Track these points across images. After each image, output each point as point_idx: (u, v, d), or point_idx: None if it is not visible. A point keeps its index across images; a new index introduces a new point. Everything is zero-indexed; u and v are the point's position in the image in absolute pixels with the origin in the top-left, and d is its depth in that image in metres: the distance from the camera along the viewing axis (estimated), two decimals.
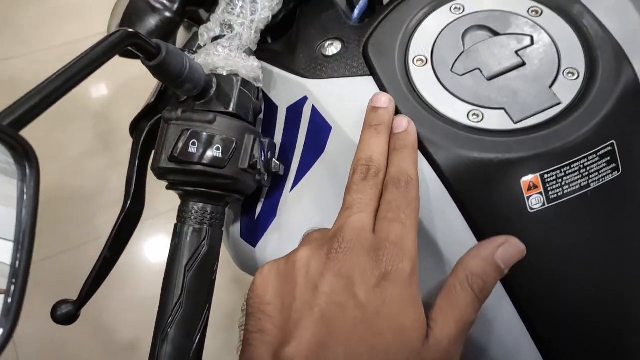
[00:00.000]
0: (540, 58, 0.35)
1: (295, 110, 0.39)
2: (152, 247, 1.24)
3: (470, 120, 0.33)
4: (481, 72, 0.35)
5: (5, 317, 0.19)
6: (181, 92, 0.35)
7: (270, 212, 0.39)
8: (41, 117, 0.23)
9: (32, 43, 1.55)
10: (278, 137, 0.40)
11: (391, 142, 0.32)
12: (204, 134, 0.33)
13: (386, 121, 0.32)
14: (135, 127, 0.42)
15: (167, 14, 0.45)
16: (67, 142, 1.35)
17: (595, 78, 0.34)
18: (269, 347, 0.26)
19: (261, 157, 0.36)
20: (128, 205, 0.39)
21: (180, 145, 0.33)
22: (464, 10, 0.38)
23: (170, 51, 0.32)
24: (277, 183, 0.39)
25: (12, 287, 0.19)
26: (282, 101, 0.40)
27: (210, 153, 0.33)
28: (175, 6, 0.44)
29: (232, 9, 0.38)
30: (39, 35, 1.56)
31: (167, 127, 0.34)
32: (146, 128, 0.41)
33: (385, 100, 0.33)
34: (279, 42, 0.44)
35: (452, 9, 0.38)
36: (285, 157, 0.39)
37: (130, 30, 0.29)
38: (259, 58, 0.42)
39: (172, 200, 0.37)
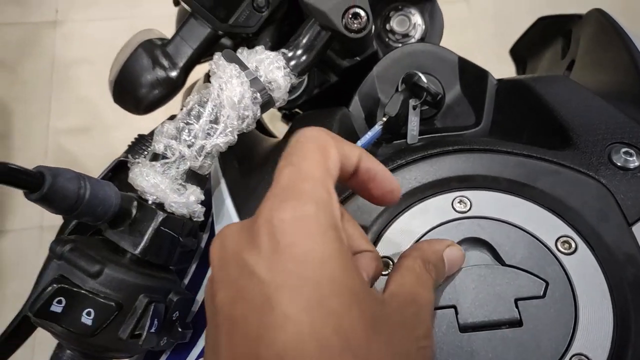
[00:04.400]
0: (545, 324, 0.24)
1: None
2: None
3: None
4: (456, 313, 0.25)
5: None
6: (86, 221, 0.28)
7: None
8: None
9: None
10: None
11: None
12: (76, 292, 0.26)
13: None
14: None
15: (172, 73, 0.40)
16: None
17: None
18: None
19: (153, 325, 0.28)
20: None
21: (43, 297, 0.26)
22: (469, 208, 0.28)
23: (56, 181, 0.25)
24: (185, 344, 0.32)
25: None
26: None
27: (76, 318, 0.26)
28: (181, 65, 0.40)
29: (184, 126, 0.31)
30: None
31: (49, 262, 0.28)
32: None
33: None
34: (253, 171, 0.36)
35: (456, 201, 0.28)
36: (203, 314, 0.32)
37: (2, 162, 0.23)
38: (225, 174, 0.35)
39: None
